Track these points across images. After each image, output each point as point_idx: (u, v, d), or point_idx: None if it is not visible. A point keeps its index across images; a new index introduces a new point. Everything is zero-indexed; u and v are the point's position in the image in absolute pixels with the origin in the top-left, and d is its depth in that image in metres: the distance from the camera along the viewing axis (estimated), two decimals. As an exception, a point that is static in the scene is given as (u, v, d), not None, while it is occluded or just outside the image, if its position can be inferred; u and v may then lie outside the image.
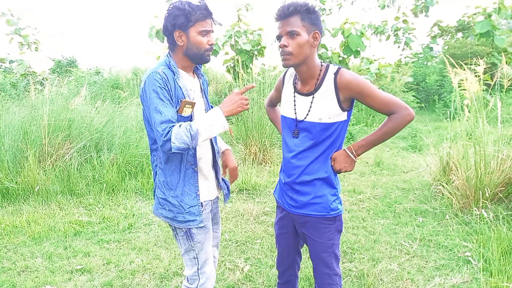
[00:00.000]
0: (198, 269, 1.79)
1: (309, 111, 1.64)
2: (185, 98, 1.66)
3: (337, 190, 1.73)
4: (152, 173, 1.79)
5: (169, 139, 1.54)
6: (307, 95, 1.66)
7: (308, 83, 1.67)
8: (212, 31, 1.68)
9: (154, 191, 1.82)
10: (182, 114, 1.65)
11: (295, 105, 1.70)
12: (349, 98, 1.61)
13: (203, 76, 1.90)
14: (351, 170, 1.70)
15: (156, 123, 1.57)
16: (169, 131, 1.55)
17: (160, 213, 1.79)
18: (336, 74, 1.59)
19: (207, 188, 1.83)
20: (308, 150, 1.66)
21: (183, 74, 1.73)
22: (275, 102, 2.04)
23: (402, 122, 1.59)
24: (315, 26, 1.57)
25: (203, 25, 1.63)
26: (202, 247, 1.78)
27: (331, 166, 1.69)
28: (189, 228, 1.75)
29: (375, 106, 1.61)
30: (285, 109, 1.76)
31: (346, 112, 1.63)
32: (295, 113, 1.69)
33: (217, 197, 1.95)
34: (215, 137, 1.94)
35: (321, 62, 1.67)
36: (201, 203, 1.77)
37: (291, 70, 1.80)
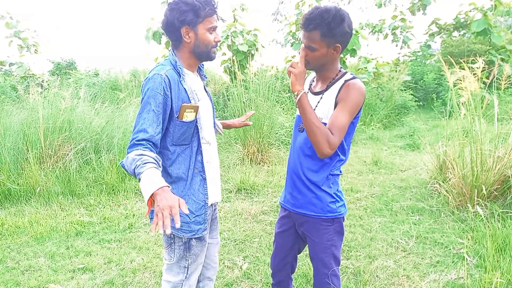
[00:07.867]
0: (184, 278, 1.73)
1: (314, 109, 1.66)
2: (190, 101, 1.57)
3: (335, 192, 1.75)
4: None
5: (128, 151, 1.43)
6: (317, 94, 1.72)
7: (321, 83, 1.73)
8: (217, 27, 1.62)
9: None
10: (183, 120, 1.56)
11: None
12: None
13: (206, 77, 1.83)
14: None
15: (135, 126, 1.49)
16: (134, 144, 1.43)
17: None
18: (347, 81, 1.62)
19: (215, 192, 1.78)
20: (310, 148, 1.68)
21: (188, 73, 1.64)
22: None
23: (322, 139, 1.53)
24: (337, 39, 1.57)
25: (211, 21, 1.57)
26: (195, 259, 1.74)
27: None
28: (189, 239, 1.67)
29: (332, 116, 1.59)
30: None
31: None
32: None
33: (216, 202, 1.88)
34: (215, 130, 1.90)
35: (340, 67, 1.71)
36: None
37: (314, 73, 1.84)
